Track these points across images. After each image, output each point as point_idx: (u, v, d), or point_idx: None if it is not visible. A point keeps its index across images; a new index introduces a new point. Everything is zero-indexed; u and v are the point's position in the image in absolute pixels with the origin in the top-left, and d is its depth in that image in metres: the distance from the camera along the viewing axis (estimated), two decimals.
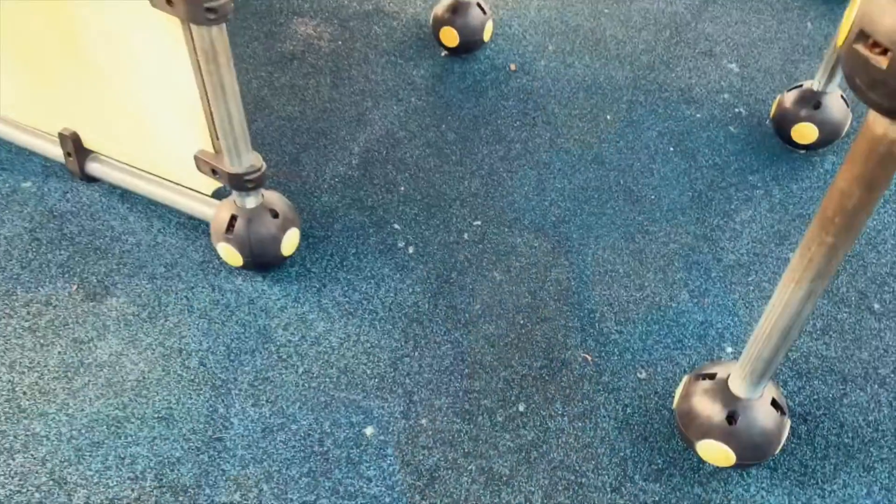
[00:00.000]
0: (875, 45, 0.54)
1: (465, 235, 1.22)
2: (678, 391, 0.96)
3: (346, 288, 1.13)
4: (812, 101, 1.31)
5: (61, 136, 1.17)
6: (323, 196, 1.28)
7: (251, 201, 1.07)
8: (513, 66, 1.57)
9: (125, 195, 1.24)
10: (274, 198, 1.11)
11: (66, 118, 1.17)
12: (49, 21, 1.02)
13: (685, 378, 0.96)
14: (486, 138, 1.40)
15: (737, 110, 1.47)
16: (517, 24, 1.68)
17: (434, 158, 1.36)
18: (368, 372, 1.02)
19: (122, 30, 0.98)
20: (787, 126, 1.34)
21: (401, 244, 1.20)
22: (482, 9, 1.54)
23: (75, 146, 1.18)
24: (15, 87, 1.18)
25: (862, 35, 0.55)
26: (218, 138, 1.02)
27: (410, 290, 1.13)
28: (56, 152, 1.21)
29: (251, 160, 1.03)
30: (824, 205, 0.68)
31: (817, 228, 0.69)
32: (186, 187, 1.15)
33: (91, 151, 1.20)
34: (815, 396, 1.02)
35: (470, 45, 1.56)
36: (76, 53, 1.05)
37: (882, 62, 0.53)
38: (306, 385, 1.01)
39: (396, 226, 1.23)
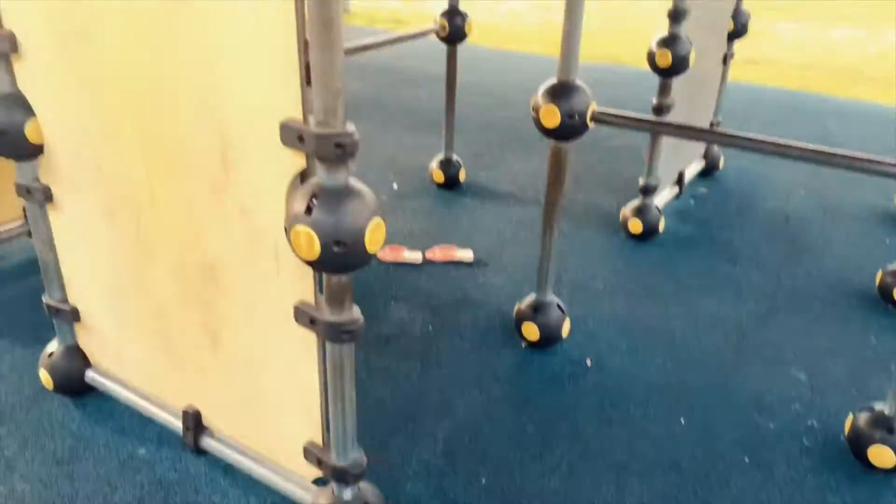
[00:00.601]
0: None
1: None
2: None
3: None
4: (885, 425, 1.35)
5: (185, 412, 1.31)
6: (408, 483, 1.34)
7: (348, 493, 1.14)
8: (589, 361, 1.69)
9: (228, 468, 1.33)
10: (368, 490, 1.18)
11: (191, 396, 1.32)
12: (194, 314, 1.21)
13: None
14: (564, 433, 1.47)
15: (809, 423, 1.51)
16: (592, 321, 1.84)
17: (514, 451, 1.43)
18: None
19: (261, 333, 1.15)
20: (862, 447, 1.37)
21: None
22: (561, 309, 1.71)
23: (195, 422, 1.31)
24: (152, 365, 1.35)
25: None
26: (328, 432, 1.13)
27: None
28: (175, 424, 1.35)
29: (356, 456, 1.13)
30: None
31: None
32: (289, 470, 1.24)
33: (207, 427, 1.33)
34: None
35: (549, 339, 1.71)
36: (214, 345, 1.22)
37: None
38: None
39: None
